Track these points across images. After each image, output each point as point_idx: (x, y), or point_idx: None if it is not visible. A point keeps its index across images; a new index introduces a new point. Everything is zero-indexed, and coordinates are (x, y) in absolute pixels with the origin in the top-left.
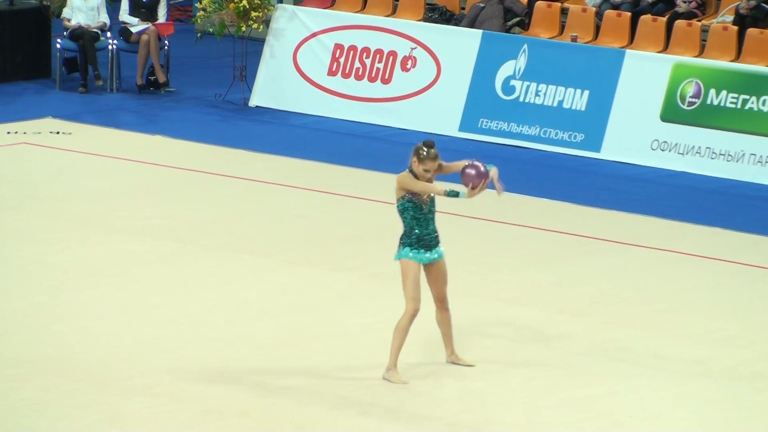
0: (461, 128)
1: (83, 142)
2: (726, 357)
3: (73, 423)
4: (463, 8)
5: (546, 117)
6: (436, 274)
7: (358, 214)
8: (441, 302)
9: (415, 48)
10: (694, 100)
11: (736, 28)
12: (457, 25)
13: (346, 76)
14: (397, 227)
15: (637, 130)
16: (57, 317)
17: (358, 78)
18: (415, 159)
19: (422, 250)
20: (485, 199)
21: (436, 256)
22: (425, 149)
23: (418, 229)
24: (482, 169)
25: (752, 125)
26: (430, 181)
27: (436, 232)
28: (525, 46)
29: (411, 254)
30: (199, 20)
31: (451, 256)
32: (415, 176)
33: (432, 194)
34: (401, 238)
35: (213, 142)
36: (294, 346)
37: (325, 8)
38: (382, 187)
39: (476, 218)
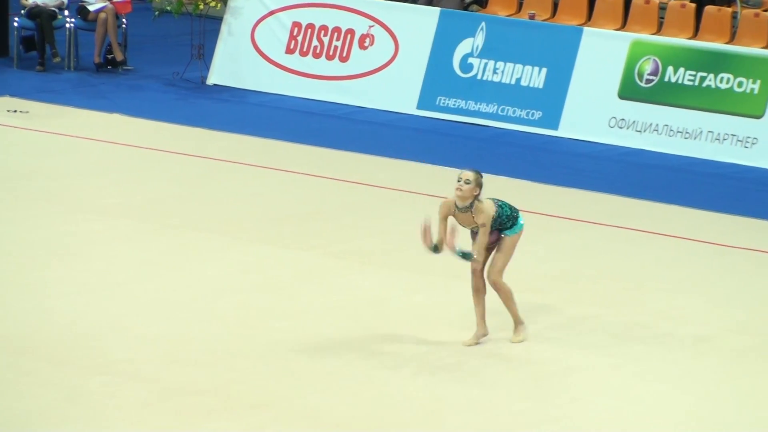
0: (419, 106)
1: (40, 121)
2: (688, 333)
3: (31, 402)
4: None
5: (504, 95)
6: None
7: (316, 193)
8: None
9: (372, 26)
10: (651, 77)
11: (693, 5)
12: (414, 2)
13: (303, 54)
14: (355, 205)
15: (594, 108)
16: (16, 296)
17: (316, 56)
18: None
19: None
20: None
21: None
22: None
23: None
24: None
25: (710, 102)
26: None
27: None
28: (483, 23)
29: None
30: None
31: (410, 237)
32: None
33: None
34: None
35: (171, 120)
36: (255, 324)
37: None
38: (340, 165)
39: (431, 196)
